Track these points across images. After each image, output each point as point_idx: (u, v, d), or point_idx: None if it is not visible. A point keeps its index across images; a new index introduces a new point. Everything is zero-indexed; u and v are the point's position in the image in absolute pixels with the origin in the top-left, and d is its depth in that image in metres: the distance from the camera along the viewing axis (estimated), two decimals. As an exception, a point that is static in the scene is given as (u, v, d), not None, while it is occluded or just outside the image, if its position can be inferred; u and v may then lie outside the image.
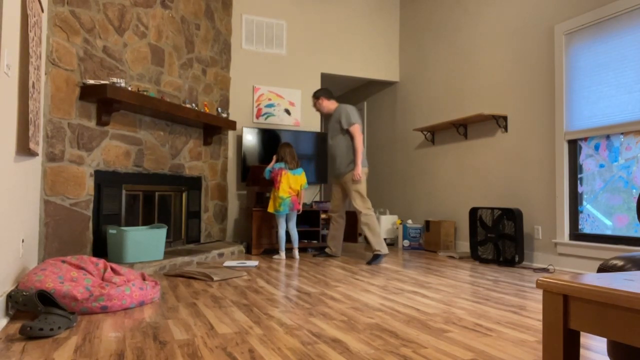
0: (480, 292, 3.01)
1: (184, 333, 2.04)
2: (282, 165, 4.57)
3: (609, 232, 3.76)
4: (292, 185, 4.57)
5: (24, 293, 2.14)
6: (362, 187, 4.43)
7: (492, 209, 4.45)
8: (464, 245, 5.21)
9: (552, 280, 1.05)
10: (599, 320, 0.97)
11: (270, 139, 5.72)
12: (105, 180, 3.76)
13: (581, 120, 3.95)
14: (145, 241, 3.62)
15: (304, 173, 4.69)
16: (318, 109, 4.77)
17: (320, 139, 5.97)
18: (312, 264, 4.30)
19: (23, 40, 2.41)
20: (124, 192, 3.96)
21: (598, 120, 3.82)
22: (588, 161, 3.96)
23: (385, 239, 5.96)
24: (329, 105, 4.71)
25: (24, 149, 2.47)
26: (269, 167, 4.61)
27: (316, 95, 4.74)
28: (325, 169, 6.01)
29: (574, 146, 4.05)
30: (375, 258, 4.32)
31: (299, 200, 4.61)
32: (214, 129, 4.97)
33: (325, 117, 4.92)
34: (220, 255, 4.60)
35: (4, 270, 2.17)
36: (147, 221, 4.24)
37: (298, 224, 5.56)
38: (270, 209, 4.57)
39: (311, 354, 1.78)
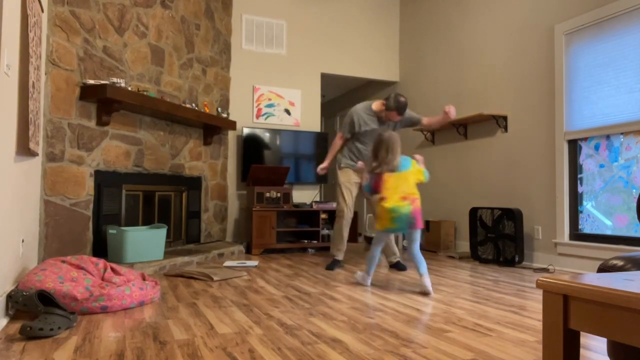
0: (480, 292, 3.00)
1: (184, 333, 2.04)
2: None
3: (609, 232, 3.76)
4: (404, 187, 3.10)
5: (24, 293, 2.14)
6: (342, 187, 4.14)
7: (492, 209, 4.45)
8: (464, 245, 5.21)
9: (552, 280, 1.05)
10: (599, 320, 0.97)
11: (270, 139, 5.72)
12: (105, 180, 3.75)
13: (581, 120, 3.95)
14: (145, 241, 3.62)
15: (414, 162, 3.24)
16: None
17: (320, 139, 5.97)
18: (312, 264, 4.29)
19: (23, 40, 2.41)
20: (124, 192, 3.96)
21: (598, 120, 3.81)
22: (588, 161, 3.96)
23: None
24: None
25: (24, 149, 2.47)
26: (365, 182, 3.30)
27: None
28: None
29: (574, 146, 4.05)
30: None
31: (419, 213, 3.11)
32: (214, 129, 4.96)
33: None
34: (220, 255, 4.59)
35: (4, 270, 2.17)
36: (147, 221, 4.24)
37: (298, 223, 5.56)
38: (379, 227, 3.18)
39: (311, 354, 1.78)
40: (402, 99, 3.84)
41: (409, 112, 4.07)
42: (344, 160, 4.11)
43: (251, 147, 5.60)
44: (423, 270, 3.00)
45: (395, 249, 4.09)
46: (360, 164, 3.31)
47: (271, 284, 3.28)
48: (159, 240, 3.74)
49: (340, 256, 4.07)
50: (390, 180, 3.09)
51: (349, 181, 4.04)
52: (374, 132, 3.95)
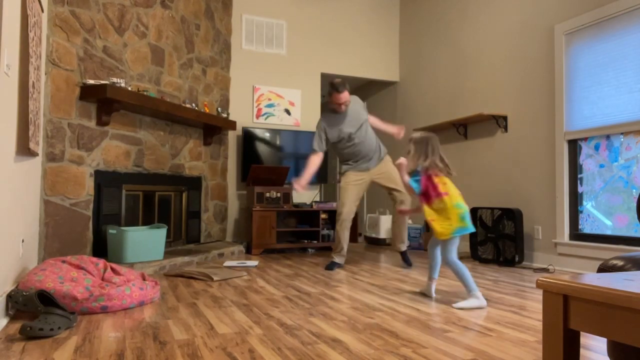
0: (481, 292, 3.00)
1: (184, 333, 2.04)
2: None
3: (609, 232, 3.76)
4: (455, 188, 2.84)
5: (24, 293, 2.14)
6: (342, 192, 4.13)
7: (492, 209, 4.45)
8: (464, 245, 5.20)
9: (552, 280, 1.05)
10: (599, 320, 0.97)
11: (270, 139, 5.72)
12: (105, 180, 3.75)
13: (581, 120, 3.95)
14: (145, 241, 3.62)
15: None
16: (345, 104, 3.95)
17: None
18: (312, 264, 4.29)
19: (23, 40, 2.41)
20: (124, 192, 3.96)
21: (598, 120, 3.81)
22: (588, 161, 3.96)
23: (385, 239, 5.96)
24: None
25: (24, 149, 2.47)
26: (410, 179, 2.84)
27: (341, 89, 3.85)
28: (326, 169, 6.01)
29: (574, 146, 4.05)
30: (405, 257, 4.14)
31: None
32: (214, 129, 4.96)
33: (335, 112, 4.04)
34: (220, 255, 4.59)
35: (4, 270, 2.17)
36: (147, 221, 4.24)
37: (298, 223, 5.56)
38: (446, 232, 2.71)
39: (311, 354, 1.78)
40: (336, 80, 3.91)
41: (360, 101, 4.13)
42: (343, 166, 4.21)
43: (251, 147, 5.60)
44: (435, 275, 2.90)
45: (405, 237, 4.15)
46: (402, 159, 2.86)
47: (271, 284, 3.28)
48: (159, 240, 3.74)
49: (338, 259, 4.07)
50: (446, 179, 2.79)
51: (347, 182, 4.08)
52: (344, 132, 4.02)
